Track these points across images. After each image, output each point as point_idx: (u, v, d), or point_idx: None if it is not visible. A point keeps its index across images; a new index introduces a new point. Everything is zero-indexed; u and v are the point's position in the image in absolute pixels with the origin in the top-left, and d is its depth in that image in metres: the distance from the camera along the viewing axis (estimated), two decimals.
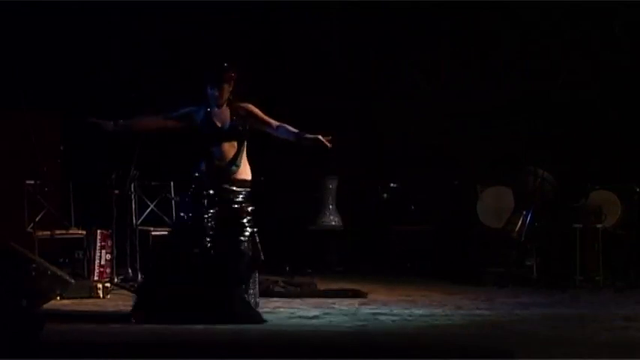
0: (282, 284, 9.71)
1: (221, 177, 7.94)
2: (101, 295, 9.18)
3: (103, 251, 9.93)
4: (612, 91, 11.22)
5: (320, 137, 7.86)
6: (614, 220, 10.43)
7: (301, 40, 12.02)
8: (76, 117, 8.16)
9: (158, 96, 10.79)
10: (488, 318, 8.31)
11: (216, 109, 7.98)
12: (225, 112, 8.00)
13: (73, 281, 8.83)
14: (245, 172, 8.01)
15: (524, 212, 10.60)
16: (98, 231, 9.98)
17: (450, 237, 11.39)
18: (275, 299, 9.22)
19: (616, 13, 11.19)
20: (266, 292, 9.47)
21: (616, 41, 11.25)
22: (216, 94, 7.93)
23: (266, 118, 8.01)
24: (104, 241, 9.95)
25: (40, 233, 9.97)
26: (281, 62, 12.03)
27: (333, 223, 11.95)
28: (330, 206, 11.95)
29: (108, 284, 9.39)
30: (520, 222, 10.59)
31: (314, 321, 8.08)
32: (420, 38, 11.81)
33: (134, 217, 10.24)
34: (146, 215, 10.55)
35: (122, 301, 8.97)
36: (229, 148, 7.95)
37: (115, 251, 9.97)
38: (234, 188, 7.95)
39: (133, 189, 10.20)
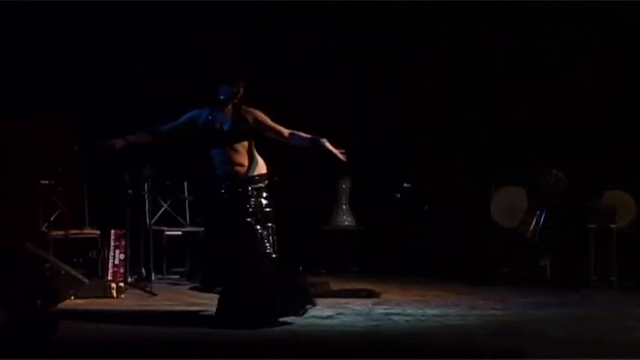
0: None
1: (231, 180, 7.84)
2: (115, 295, 9.20)
3: (117, 251, 9.97)
4: (617, 91, 11.18)
5: (335, 151, 7.81)
6: (628, 220, 10.41)
7: (301, 40, 12.00)
8: (85, 146, 8.12)
9: (158, 96, 10.86)
10: (502, 318, 8.31)
11: (218, 112, 7.86)
12: (228, 113, 7.86)
13: (87, 281, 8.86)
14: (257, 168, 7.91)
15: (538, 212, 10.59)
16: (112, 231, 10.03)
17: (463, 237, 11.38)
18: None
19: (616, 13, 11.14)
20: None
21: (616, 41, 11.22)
22: (234, 90, 7.79)
23: (276, 126, 7.90)
24: (118, 240, 9.99)
25: (54, 233, 10.01)
26: (281, 62, 12.01)
27: (347, 223, 11.96)
28: (344, 206, 11.95)
29: (122, 284, 9.41)
30: (534, 222, 10.58)
31: (327, 321, 8.08)
32: (420, 38, 11.80)
33: (148, 217, 10.25)
34: (160, 215, 10.62)
35: (135, 301, 9.01)
36: (233, 150, 7.83)
37: (128, 251, 9.99)
38: (249, 187, 7.86)
39: (146, 189, 10.23)
